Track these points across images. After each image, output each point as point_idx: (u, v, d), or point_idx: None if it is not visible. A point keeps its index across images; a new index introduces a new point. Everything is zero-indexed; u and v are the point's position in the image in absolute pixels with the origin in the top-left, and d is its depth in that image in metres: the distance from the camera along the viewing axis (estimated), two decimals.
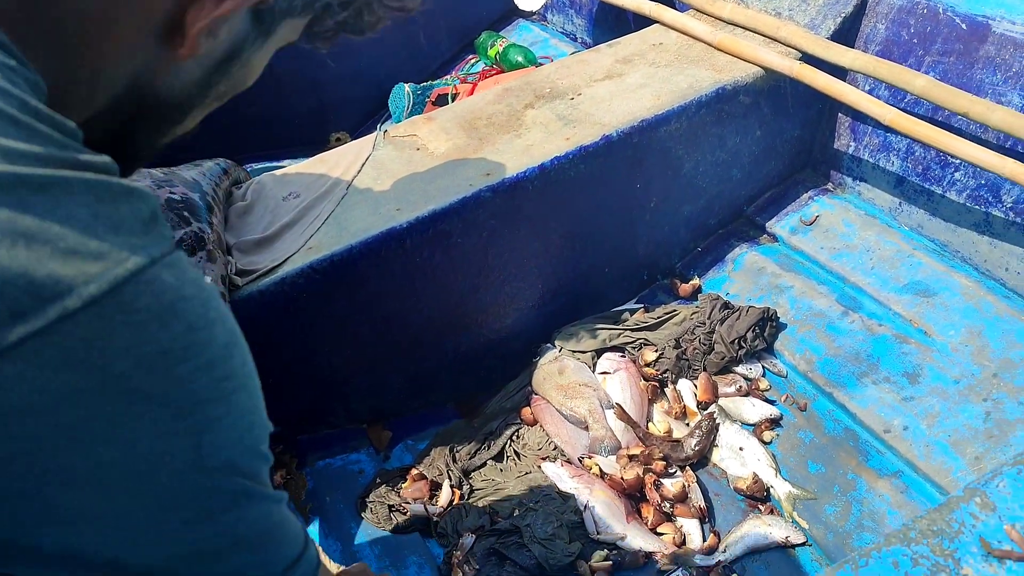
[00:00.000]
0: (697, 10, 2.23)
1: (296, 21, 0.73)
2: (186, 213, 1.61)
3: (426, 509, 1.68)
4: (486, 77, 2.91)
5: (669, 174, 2.00)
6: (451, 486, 1.73)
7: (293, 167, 1.98)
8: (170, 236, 0.52)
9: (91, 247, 0.45)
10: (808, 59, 1.95)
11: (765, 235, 2.15)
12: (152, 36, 0.62)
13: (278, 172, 1.98)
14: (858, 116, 2.04)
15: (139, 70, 0.64)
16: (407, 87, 2.88)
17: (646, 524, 1.65)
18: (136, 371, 0.47)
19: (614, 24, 2.82)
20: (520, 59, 2.89)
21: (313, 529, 1.65)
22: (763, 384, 1.84)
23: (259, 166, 2.74)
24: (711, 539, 1.61)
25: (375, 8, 0.77)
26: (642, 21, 2.38)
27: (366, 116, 3.15)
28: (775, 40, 2.02)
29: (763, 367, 1.87)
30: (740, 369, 1.87)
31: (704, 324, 1.91)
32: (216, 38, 0.66)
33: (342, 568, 1.08)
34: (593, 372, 1.91)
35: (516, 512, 1.66)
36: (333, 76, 2.99)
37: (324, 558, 1.09)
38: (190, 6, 0.61)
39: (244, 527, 0.58)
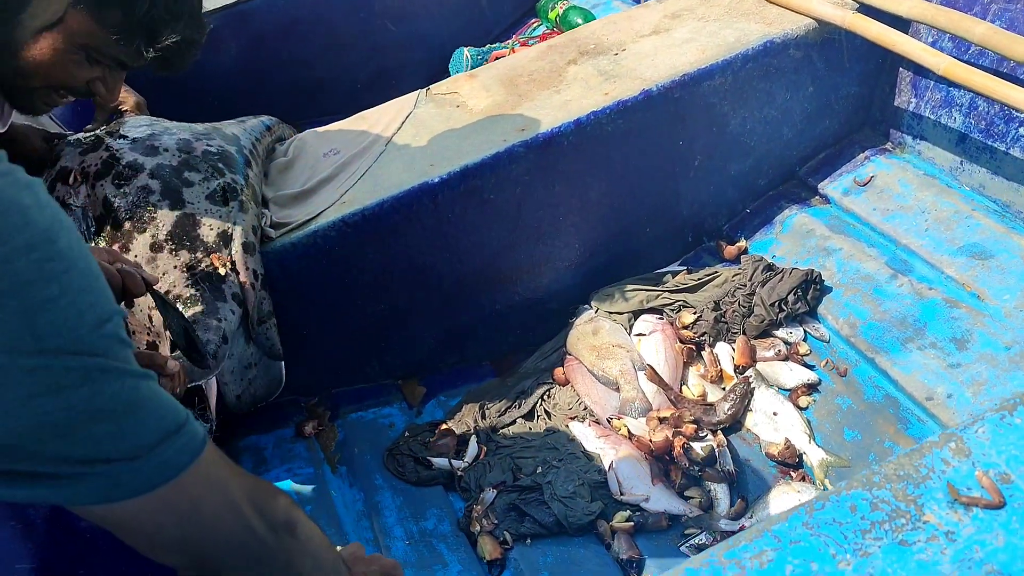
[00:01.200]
0: None
1: None
2: (220, 164, 1.64)
3: (451, 463, 1.68)
4: (546, 40, 2.87)
5: (714, 131, 1.94)
6: (478, 442, 1.72)
7: (335, 124, 2.00)
8: None
9: None
10: (864, 9, 1.85)
11: (816, 197, 2.06)
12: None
13: (320, 129, 2.00)
14: (920, 71, 1.93)
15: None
16: (466, 51, 2.87)
17: (673, 487, 1.62)
18: None
19: None
20: (580, 21, 2.83)
21: (339, 479, 1.67)
22: (803, 348, 1.77)
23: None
24: (739, 504, 1.57)
25: None
26: None
27: (426, 81, 3.14)
28: None
29: (804, 331, 1.80)
30: (780, 333, 1.81)
31: (745, 286, 1.85)
32: None
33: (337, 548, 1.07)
34: (629, 334, 1.87)
35: (539, 470, 1.65)
36: (394, 41, 3.00)
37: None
38: None
39: (101, 400, 0.60)
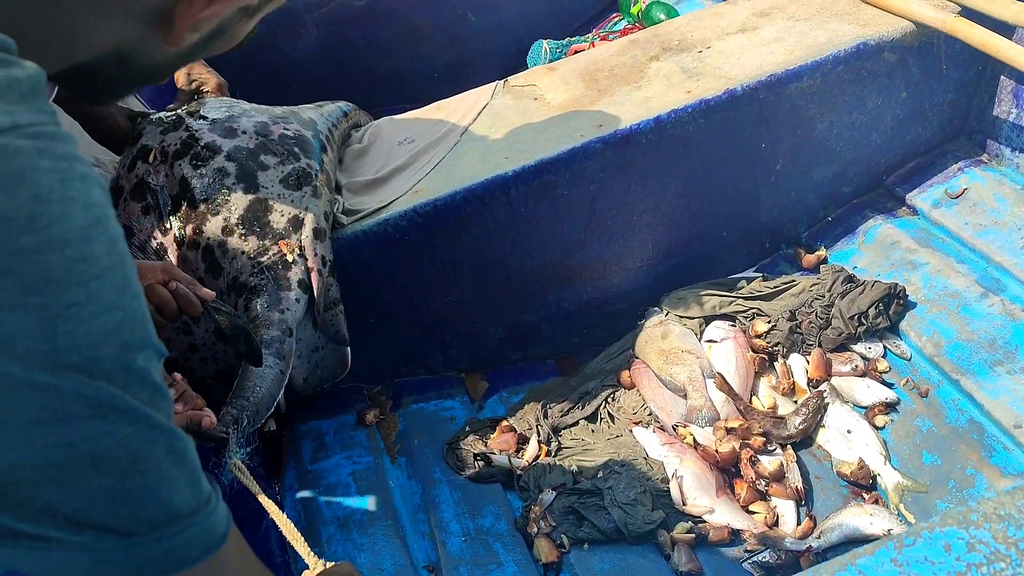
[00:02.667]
0: None
1: None
2: (296, 149, 1.64)
3: (510, 461, 1.66)
4: (626, 35, 2.82)
5: (799, 134, 1.87)
6: (539, 441, 1.70)
7: (411, 113, 1.99)
8: (50, 112, 0.48)
9: None
10: (967, 13, 1.76)
11: (904, 207, 1.97)
12: (139, 20, 0.61)
13: (397, 117, 2.00)
14: (1023, 79, 1.83)
15: (122, 46, 0.63)
16: (545, 44, 2.84)
17: (737, 500, 1.57)
18: None
19: None
20: (662, 16, 2.77)
21: (398, 470, 1.66)
22: (882, 365, 1.70)
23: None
24: (806, 523, 1.51)
25: None
26: None
27: (503, 72, 3.13)
28: None
29: (884, 347, 1.73)
30: (858, 347, 1.74)
31: (823, 297, 1.78)
32: (202, 32, 0.65)
33: (328, 564, 1.05)
34: (699, 339, 1.82)
35: (600, 474, 1.61)
36: (473, 31, 2.98)
37: (304, 551, 1.07)
38: (180, 2, 0.60)
39: (106, 443, 0.50)
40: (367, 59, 2.93)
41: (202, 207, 1.53)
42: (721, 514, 1.53)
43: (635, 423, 1.72)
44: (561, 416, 1.75)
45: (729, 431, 1.64)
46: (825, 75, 1.80)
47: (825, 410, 1.65)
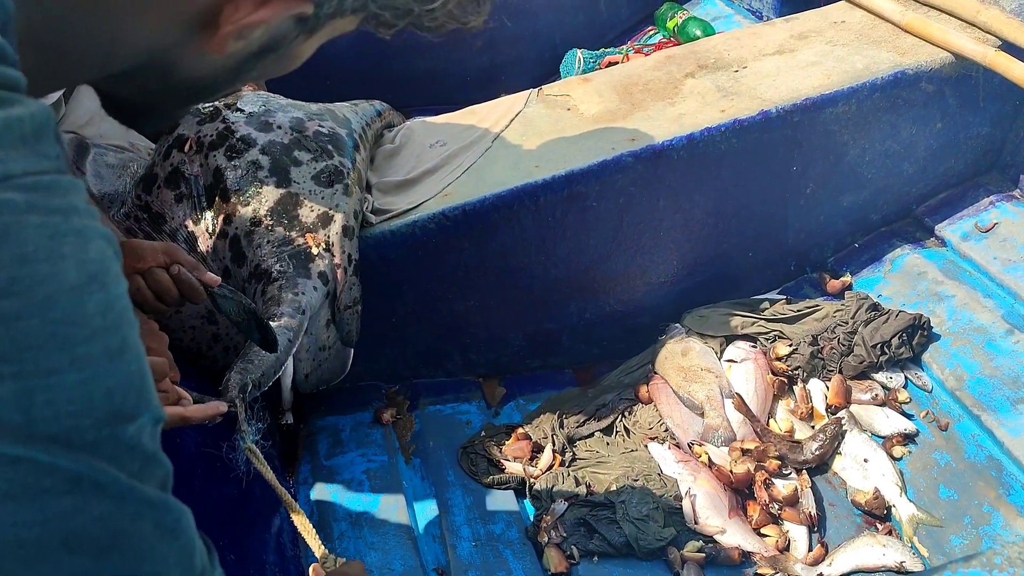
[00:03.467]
0: None
1: (347, 19, 0.67)
2: (330, 146, 1.65)
3: (524, 469, 1.66)
4: (661, 49, 2.82)
5: (831, 159, 1.87)
6: (553, 451, 1.70)
7: (444, 116, 2.00)
8: (54, 156, 0.44)
9: None
10: (1008, 48, 1.75)
11: (932, 238, 1.96)
12: (182, 23, 0.58)
13: (429, 119, 2.01)
14: None
15: (164, 51, 0.60)
16: (580, 53, 2.84)
17: (749, 522, 1.57)
18: None
19: (802, 3, 2.65)
20: (699, 33, 2.77)
21: (412, 471, 1.67)
22: (902, 396, 1.69)
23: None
24: (817, 550, 1.50)
25: (435, 18, 0.69)
26: None
27: (536, 79, 3.13)
28: (972, 25, 1.83)
29: (905, 377, 1.72)
30: (879, 376, 1.73)
31: (847, 324, 1.77)
32: (248, 40, 0.61)
33: (339, 560, 1.04)
34: (719, 359, 1.82)
35: (613, 487, 1.61)
36: (509, 36, 2.99)
37: (315, 544, 1.07)
38: (227, 4, 0.57)
39: (82, 521, 0.44)
40: (401, 59, 2.95)
41: (234, 198, 1.54)
42: (733, 535, 1.53)
43: (651, 438, 1.72)
44: (577, 427, 1.75)
45: (745, 452, 1.64)
46: (861, 102, 1.79)
47: (842, 437, 1.64)
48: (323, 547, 1.07)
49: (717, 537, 1.53)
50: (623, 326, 1.94)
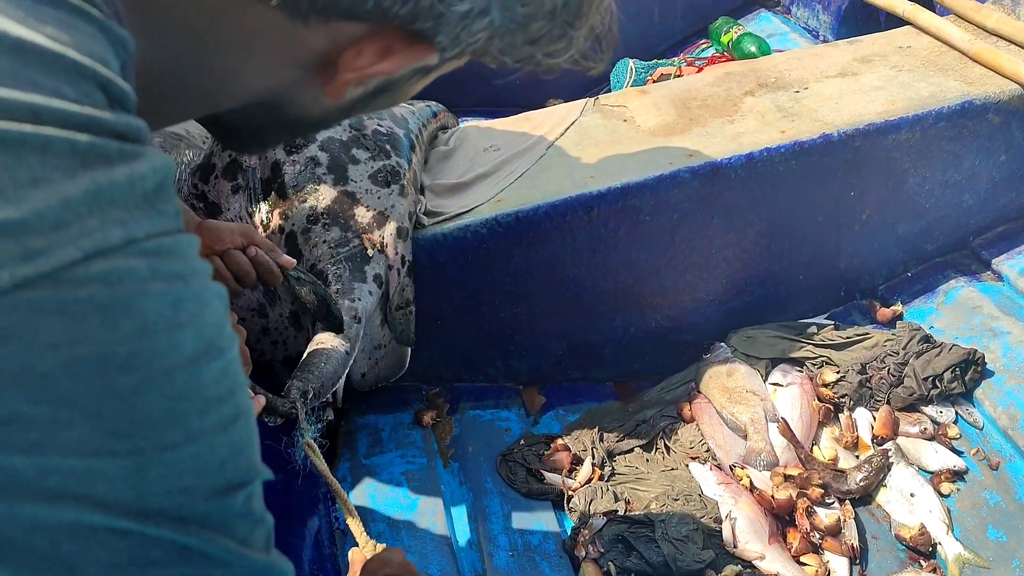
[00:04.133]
0: (958, 15, 2.02)
1: (464, 59, 0.63)
2: (388, 146, 1.65)
3: (563, 481, 1.65)
4: (714, 63, 2.80)
5: (889, 186, 1.84)
6: (592, 464, 1.68)
7: (499, 121, 1.99)
8: (173, 214, 0.42)
9: (48, 218, 0.36)
10: None
11: (989, 272, 1.93)
12: (298, 66, 0.55)
13: (483, 124, 2.01)
14: None
15: (276, 92, 0.57)
16: (631, 63, 2.82)
17: (789, 550, 1.54)
18: (65, 375, 0.37)
19: (863, 23, 2.62)
20: (753, 49, 2.74)
21: (450, 475, 1.66)
22: (952, 431, 1.66)
23: (472, 121, 2.80)
24: None
25: (556, 63, 0.64)
26: (893, 23, 2.20)
27: (585, 88, 3.13)
28: None
29: (956, 413, 1.69)
30: (929, 410, 1.70)
31: (897, 354, 1.75)
32: (366, 86, 0.59)
33: (378, 546, 1.04)
34: (764, 381, 1.80)
35: (653, 505, 1.60)
36: None
37: (358, 531, 1.08)
38: (347, 49, 0.53)
39: None
40: None
41: (291, 193, 1.54)
42: (772, 562, 1.51)
43: (692, 458, 1.70)
44: (617, 441, 1.74)
45: (787, 478, 1.61)
46: (925, 130, 1.77)
47: (889, 469, 1.62)
48: (365, 533, 1.08)
49: (756, 563, 1.51)
50: (667, 342, 1.92)
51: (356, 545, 1.10)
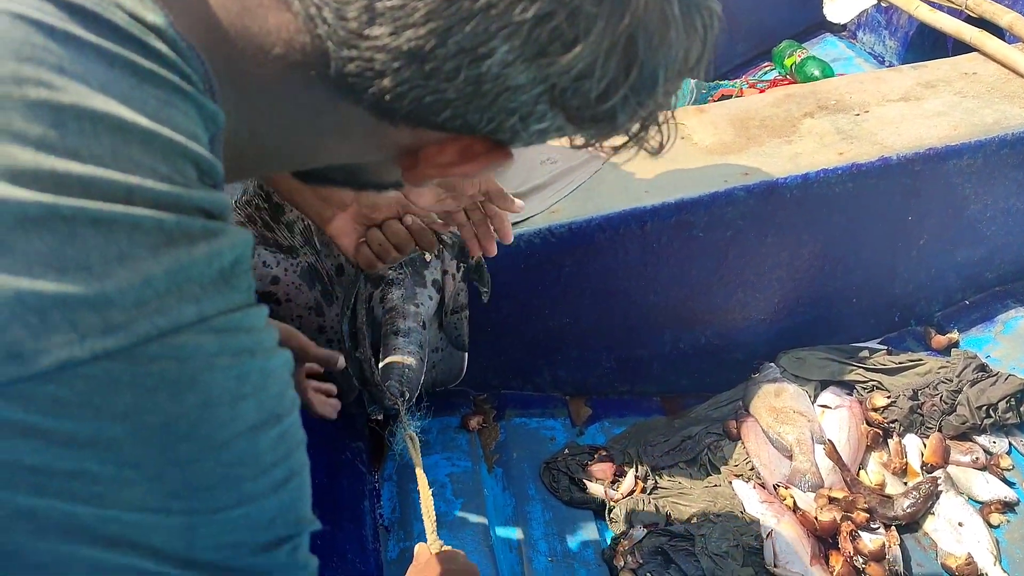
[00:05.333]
0: None
1: None
2: None
3: (606, 492, 1.66)
4: (776, 86, 2.80)
5: (949, 212, 1.82)
6: (636, 476, 1.69)
7: None
8: (247, 289, 0.44)
9: (130, 294, 0.38)
10: None
11: None
12: (384, 154, 0.56)
13: None
14: None
15: (360, 164, 0.59)
16: (692, 83, 2.83)
17: (831, 573, 1.53)
18: (131, 439, 0.39)
19: (929, 50, 2.60)
20: (817, 73, 2.74)
21: (493, 479, 1.69)
22: (1005, 462, 1.63)
23: None
24: None
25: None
26: (960, 49, 2.18)
27: None
28: None
29: (1010, 444, 1.66)
30: (981, 440, 1.67)
31: (951, 381, 1.72)
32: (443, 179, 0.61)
33: (444, 546, 1.07)
34: (812, 403, 1.79)
35: (694, 520, 1.60)
36: None
37: (431, 527, 1.11)
38: (431, 146, 0.54)
39: None
40: None
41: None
42: None
43: (735, 475, 1.70)
44: (661, 455, 1.74)
45: (832, 500, 1.60)
46: (988, 156, 1.75)
47: (937, 497, 1.59)
48: (435, 532, 1.11)
49: None
50: (716, 359, 1.92)
51: (407, 543, 1.14)
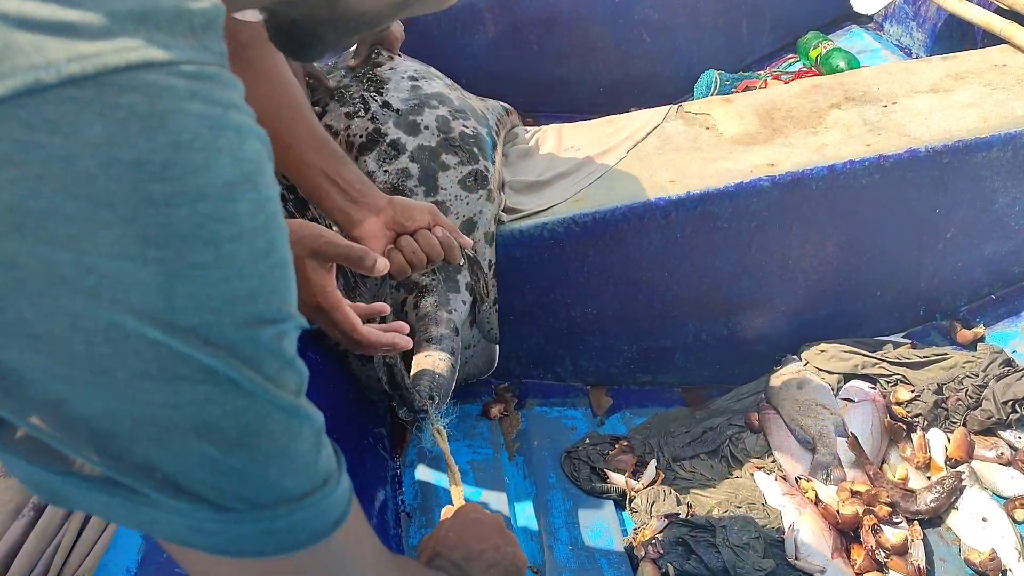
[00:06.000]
0: None
1: None
2: (475, 150, 1.66)
3: (627, 482, 1.66)
4: (800, 78, 2.77)
5: (977, 205, 1.80)
6: (656, 467, 1.69)
7: (581, 123, 2.02)
8: (218, 52, 0.44)
9: (96, 25, 0.39)
10: None
11: None
12: None
13: (566, 125, 2.03)
14: None
15: None
16: (716, 74, 2.82)
17: (852, 566, 1.52)
18: (103, 174, 0.39)
19: (958, 41, 2.56)
20: (842, 64, 2.71)
21: (514, 467, 1.69)
22: None
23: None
24: None
25: None
26: (990, 41, 2.15)
27: (669, 97, 3.12)
28: None
29: None
30: (1007, 435, 1.66)
31: (976, 376, 1.71)
32: None
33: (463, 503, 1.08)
34: (835, 396, 1.78)
35: (715, 511, 1.60)
36: (645, 51, 2.99)
37: (456, 491, 1.12)
38: None
39: (214, 413, 0.45)
40: (537, 64, 2.99)
41: None
42: None
43: (757, 467, 1.69)
44: (682, 447, 1.74)
45: (854, 494, 1.59)
46: (1017, 149, 1.73)
47: (961, 492, 1.58)
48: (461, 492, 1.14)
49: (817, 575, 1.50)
50: (738, 351, 1.91)
51: (428, 529, 1.15)
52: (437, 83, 1.79)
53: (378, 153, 1.59)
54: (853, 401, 1.75)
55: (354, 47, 1.84)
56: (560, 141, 1.96)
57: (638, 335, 1.87)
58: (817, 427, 1.69)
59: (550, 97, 3.04)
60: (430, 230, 1.14)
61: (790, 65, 2.97)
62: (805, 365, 1.85)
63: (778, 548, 1.54)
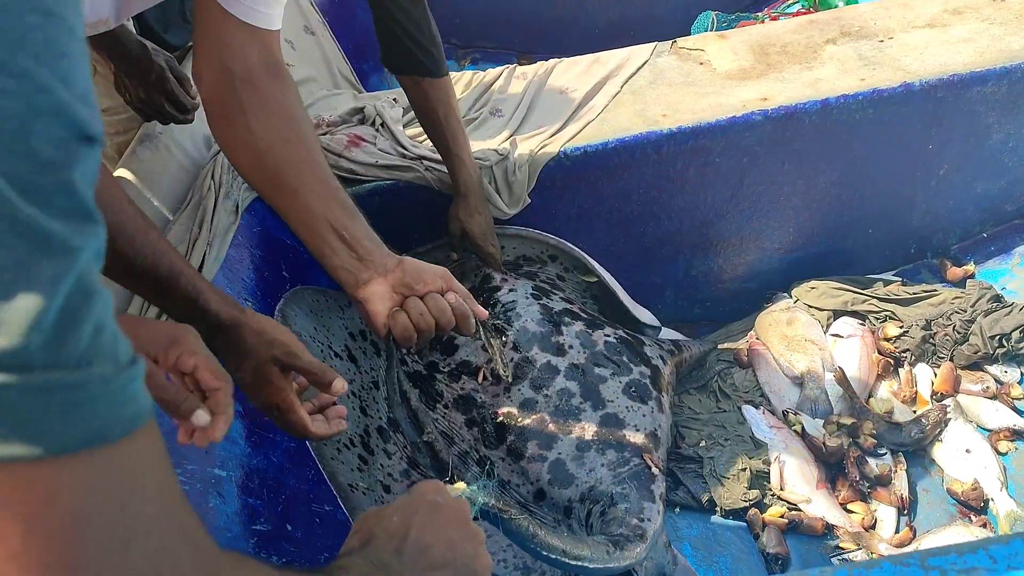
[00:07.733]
0: None
1: None
2: (624, 357, 1.57)
3: None
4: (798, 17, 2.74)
5: (971, 142, 1.79)
6: None
7: (573, 60, 1.99)
8: None
9: None
10: None
11: None
12: None
13: (560, 62, 1.99)
14: None
15: None
16: (713, 15, 2.78)
17: (836, 497, 1.54)
18: None
19: None
20: (840, 3, 2.68)
21: None
22: (1015, 391, 1.63)
23: None
24: (904, 532, 1.48)
25: None
26: None
27: (665, 37, 3.07)
28: None
29: (1021, 373, 1.66)
30: (993, 369, 1.67)
31: (964, 312, 1.72)
32: None
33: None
34: (824, 332, 1.79)
35: (703, 443, 1.61)
36: None
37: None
38: None
39: None
40: (532, 5, 2.95)
41: (552, 425, 1.43)
42: (818, 506, 1.51)
43: (745, 402, 1.70)
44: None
45: (840, 427, 1.61)
46: (1012, 84, 1.71)
47: (946, 425, 1.60)
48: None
49: (802, 506, 1.52)
50: (729, 289, 1.92)
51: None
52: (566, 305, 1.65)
53: (531, 381, 1.48)
54: (842, 337, 1.76)
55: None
56: (557, 83, 1.92)
57: (629, 271, 1.86)
58: (805, 363, 1.70)
59: (547, 39, 3.00)
60: (442, 295, 1.05)
61: (789, 6, 2.92)
62: (795, 302, 1.85)
63: (764, 479, 1.56)
